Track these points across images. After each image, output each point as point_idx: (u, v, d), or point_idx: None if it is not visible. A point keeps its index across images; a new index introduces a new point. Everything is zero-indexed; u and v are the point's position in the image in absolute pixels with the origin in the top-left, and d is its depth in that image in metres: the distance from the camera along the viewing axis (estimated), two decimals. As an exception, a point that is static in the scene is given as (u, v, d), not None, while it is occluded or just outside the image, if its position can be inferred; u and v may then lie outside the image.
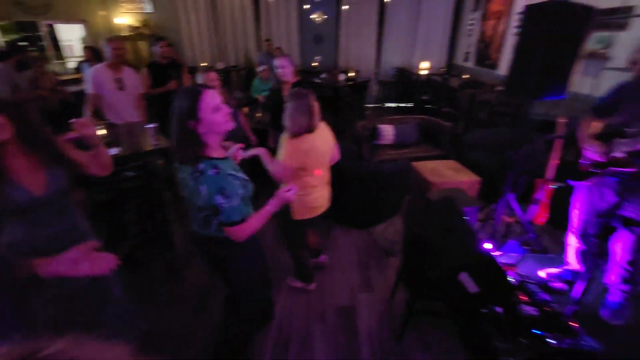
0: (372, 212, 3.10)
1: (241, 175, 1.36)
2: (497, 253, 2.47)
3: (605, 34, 3.61)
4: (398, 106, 7.42)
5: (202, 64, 6.88)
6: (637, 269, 1.88)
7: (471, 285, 1.65)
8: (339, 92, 5.42)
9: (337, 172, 3.02)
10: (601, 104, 1.89)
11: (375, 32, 7.31)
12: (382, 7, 7.05)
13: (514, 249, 2.60)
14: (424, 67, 6.94)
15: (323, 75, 5.97)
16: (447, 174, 3.27)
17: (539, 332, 1.72)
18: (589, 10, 2.01)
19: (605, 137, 1.83)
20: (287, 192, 1.43)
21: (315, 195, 1.98)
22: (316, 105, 1.84)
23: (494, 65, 5.63)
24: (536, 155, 2.95)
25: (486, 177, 3.27)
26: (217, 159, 1.29)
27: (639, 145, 1.60)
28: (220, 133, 1.30)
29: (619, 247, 1.88)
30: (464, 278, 1.65)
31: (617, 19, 3.41)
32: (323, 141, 1.92)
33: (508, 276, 2.13)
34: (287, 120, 1.80)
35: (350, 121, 4.48)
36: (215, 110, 1.24)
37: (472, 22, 6.61)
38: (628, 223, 1.78)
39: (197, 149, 1.25)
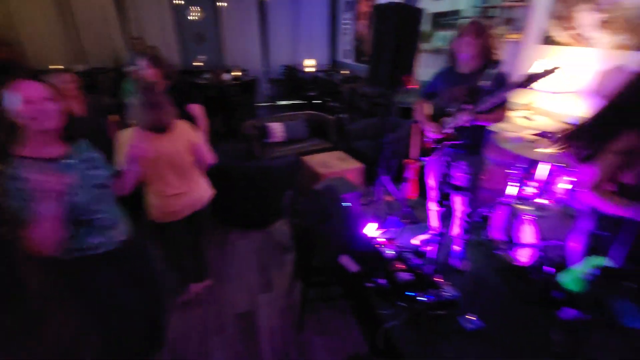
0: (267, 210, 3.09)
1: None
2: (380, 230, 2.74)
3: (444, 33, 4.32)
4: (291, 103, 7.57)
5: (52, 67, 5.76)
6: (473, 220, 2.32)
7: (352, 266, 1.78)
8: (225, 92, 5.22)
9: (224, 174, 2.91)
10: (426, 89, 2.24)
11: (257, 30, 7.27)
12: (262, 5, 7.05)
13: (394, 224, 2.92)
14: (309, 65, 7.22)
15: (206, 75, 5.66)
16: (334, 164, 3.48)
17: (411, 294, 1.97)
18: (420, 11, 2.35)
19: (435, 117, 2.17)
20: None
21: (172, 200, 1.86)
22: (167, 103, 1.71)
23: (368, 62, 6.22)
24: (403, 139, 3.37)
25: (368, 163, 3.59)
26: (29, 157, 1.16)
27: (460, 122, 1.94)
28: (36, 129, 1.17)
29: (458, 204, 2.27)
30: (345, 260, 1.76)
31: (449, 20, 4.11)
32: (173, 143, 1.80)
33: (387, 249, 2.38)
34: (133, 115, 1.66)
35: (240, 121, 4.38)
36: (27, 102, 1.13)
37: (346, 21, 7.14)
38: (457, 188, 2.16)
39: (7, 144, 1.14)
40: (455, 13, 4.04)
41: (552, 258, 2.08)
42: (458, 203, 2.27)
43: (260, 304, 2.30)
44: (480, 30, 1.87)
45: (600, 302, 0.90)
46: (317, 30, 7.72)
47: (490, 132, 2.16)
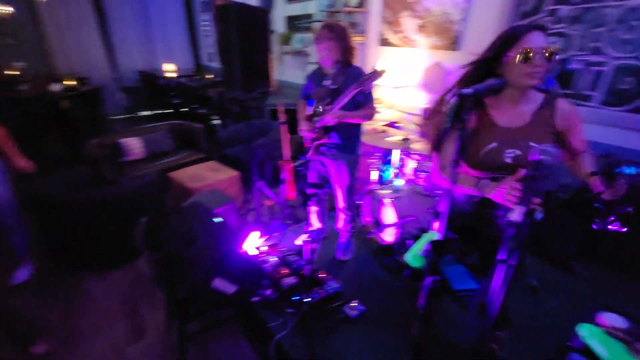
0: (129, 243, 2.61)
1: None
2: (263, 238, 2.65)
3: (302, 35, 4.50)
4: (154, 114, 6.73)
5: None
6: (353, 212, 2.47)
7: (228, 287, 1.63)
8: (58, 106, 4.23)
9: (63, 207, 2.33)
10: (303, 90, 2.29)
11: (97, 30, 6.17)
12: (98, 2, 6.00)
13: (277, 229, 2.87)
14: (169, 70, 6.55)
15: (23, 87, 4.48)
16: (207, 176, 3.20)
17: (297, 297, 1.95)
18: (266, 12, 2.32)
19: (310, 117, 2.23)
20: None
21: None
22: None
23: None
24: (276, 141, 3.35)
25: (245, 170, 3.44)
26: None
27: (324, 121, 2.01)
28: None
29: (339, 196, 2.38)
30: (219, 284, 1.60)
31: (304, 23, 4.30)
32: None
33: (271, 256, 2.31)
34: None
35: (84, 140, 3.60)
36: None
37: (205, 22, 6.74)
38: (315, 186, 2.26)
39: None
40: (308, 16, 4.23)
41: (412, 232, 2.37)
42: (339, 196, 2.37)
43: (130, 357, 1.92)
44: (335, 32, 1.94)
45: (437, 272, 1.00)
46: (174, 32, 7.06)
47: (360, 130, 2.28)
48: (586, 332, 0.85)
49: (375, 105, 2.09)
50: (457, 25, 2.85)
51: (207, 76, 6.28)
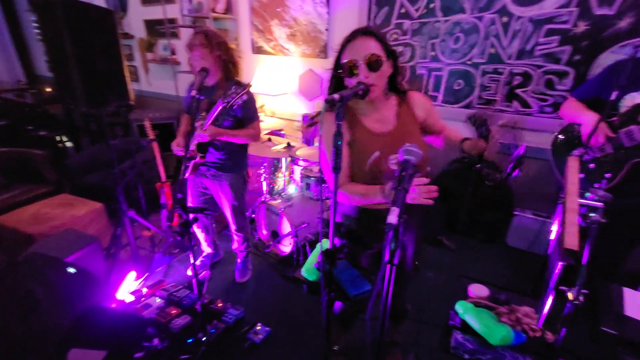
0: None
1: None
2: (141, 278, 2.24)
3: (167, 41, 4.06)
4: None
5: None
6: (245, 232, 2.31)
7: (91, 356, 1.28)
8: None
9: None
10: (184, 103, 2.02)
11: None
12: None
13: (160, 262, 2.49)
14: (-13, 83, 5.05)
15: None
16: (55, 214, 2.54)
17: (192, 339, 1.70)
18: (110, 13, 1.96)
19: (189, 134, 1.97)
20: None
21: None
22: None
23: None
24: (148, 160, 2.91)
25: (110, 199, 2.88)
26: None
27: (198, 138, 1.80)
28: None
29: (228, 218, 2.19)
30: (76, 356, 1.24)
31: (169, 28, 3.89)
32: None
33: (157, 297, 1.96)
34: None
35: None
36: None
37: (37, 24, 5.45)
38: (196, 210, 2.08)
39: None
40: (172, 21, 3.84)
41: (308, 238, 2.37)
42: (229, 221, 2.18)
43: None
44: (210, 39, 1.73)
45: (332, 281, 0.97)
46: (-12, 35, 5.49)
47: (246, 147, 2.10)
48: (461, 308, 0.95)
49: (259, 124, 1.96)
50: (324, 34, 3.01)
51: (46, 89, 5.09)
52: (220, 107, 1.65)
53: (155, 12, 3.94)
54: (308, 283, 1.17)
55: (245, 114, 1.87)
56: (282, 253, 2.45)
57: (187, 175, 1.99)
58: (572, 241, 0.61)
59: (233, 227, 2.20)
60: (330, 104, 0.86)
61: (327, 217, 0.94)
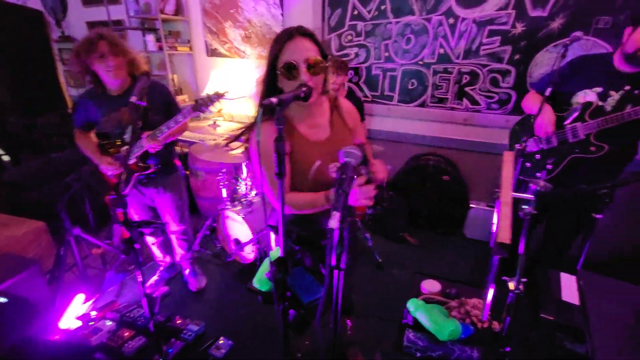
0: None
1: None
2: (90, 301, 2.07)
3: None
4: None
5: None
6: (190, 235, 2.21)
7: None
8: None
9: None
10: (78, 121, 1.83)
11: None
12: None
13: (113, 281, 2.32)
14: None
15: None
16: (-13, 237, 2.29)
17: (146, 362, 1.59)
18: (39, 15, 1.80)
19: (105, 149, 1.82)
20: None
21: None
22: None
23: None
24: (94, 173, 2.71)
25: (53, 217, 2.64)
26: None
27: (145, 149, 1.69)
28: None
29: (170, 221, 2.08)
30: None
31: (116, 31, 3.66)
32: None
33: (107, 320, 1.82)
34: None
35: None
36: None
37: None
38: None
39: None
40: (117, 23, 3.62)
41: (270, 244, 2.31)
42: (171, 224, 2.08)
43: None
44: (117, 43, 1.62)
45: (285, 290, 0.94)
46: None
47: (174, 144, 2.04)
48: (412, 306, 0.96)
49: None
50: (279, 36, 2.96)
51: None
52: (190, 116, 1.58)
53: (99, 14, 3.70)
54: (262, 293, 1.13)
55: (173, 106, 1.80)
56: (245, 261, 2.38)
57: (127, 190, 1.87)
58: (504, 235, 0.62)
59: (177, 228, 2.11)
60: (267, 108, 0.82)
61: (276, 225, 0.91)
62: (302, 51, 0.98)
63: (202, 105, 1.63)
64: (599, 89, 1.57)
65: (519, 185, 1.69)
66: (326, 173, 0.99)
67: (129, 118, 1.72)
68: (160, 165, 1.85)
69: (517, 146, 1.59)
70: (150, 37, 3.33)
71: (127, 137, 1.72)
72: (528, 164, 1.77)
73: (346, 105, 1.22)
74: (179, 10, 3.31)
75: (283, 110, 0.83)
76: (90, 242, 2.27)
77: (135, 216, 2.04)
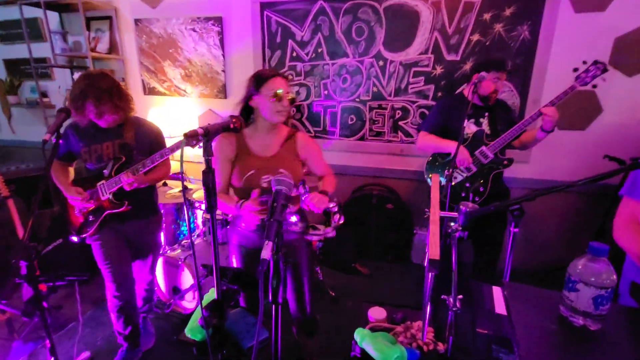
0: None
1: None
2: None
3: (34, 83, 3.51)
4: None
5: None
6: (152, 285, 1.99)
7: None
8: None
9: None
10: (60, 150, 1.68)
11: None
12: None
13: (20, 352, 1.94)
14: None
15: None
16: None
17: None
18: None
19: (84, 183, 1.67)
20: None
21: None
22: None
23: None
24: (3, 224, 2.34)
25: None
26: None
27: (122, 185, 1.54)
28: None
29: (139, 273, 1.87)
30: None
31: (38, 68, 3.40)
32: None
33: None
34: None
35: None
36: None
37: None
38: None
39: None
40: (41, 60, 3.38)
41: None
42: (142, 271, 1.89)
43: None
44: (98, 105, 1.50)
45: (224, 336, 0.85)
46: None
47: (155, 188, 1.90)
48: (358, 336, 0.94)
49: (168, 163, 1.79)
50: (222, 75, 3.00)
51: None
52: (170, 154, 1.49)
53: (19, 51, 3.43)
54: (195, 344, 1.01)
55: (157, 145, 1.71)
56: (186, 310, 2.16)
57: (91, 231, 1.65)
58: (434, 251, 0.64)
59: (147, 279, 1.92)
60: (190, 139, 0.81)
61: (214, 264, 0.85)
62: (283, 87, 1.29)
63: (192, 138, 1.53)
64: (472, 120, 1.95)
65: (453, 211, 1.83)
66: (255, 182, 1.30)
67: (111, 153, 1.62)
68: (135, 205, 1.68)
69: (447, 172, 1.73)
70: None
71: (106, 172, 1.60)
72: (463, 194, 1.94)
73: (303, 138, 1.45)
74: (112, 49, 3.20)
75: (210, 140, 0.83)
76: (-8, 306, 1.91)
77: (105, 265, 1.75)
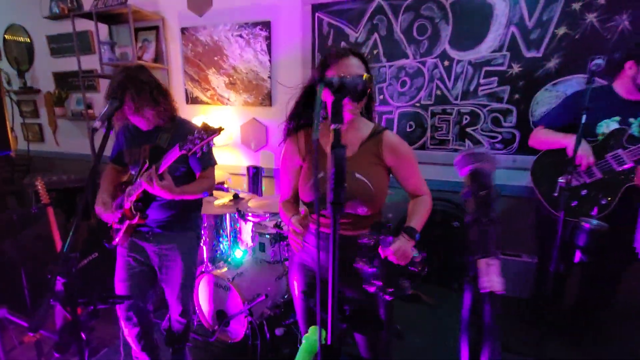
0: None
1: None
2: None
3: (80, 95, 3.52)
4: None
5: None
6: (190, 315, 1.70)
7: None
8: None
9: None
10: (112, 152, 1.58)
11: None
12: None
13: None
14: None
15: None
16: None
17: None
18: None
19: (121, 186, 1.50)
20: None
21: None
22: None
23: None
24: (38, 237, 2.20)
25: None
26: None
27: (137, 191, 1.34)
28: None
29: (171, 298, 1.61)
30: None
31: (86, 80, 3.41)
32: None
33: None
34: None
35: None
36: None
37: None
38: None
39: None
40: (89, 72, 3.38)
41: (266, 314, 1.86)
42: (171, 299, 1.58)
43: None
44: (136, 104, 1.33)
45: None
46: None
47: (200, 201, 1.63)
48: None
49: (214, 171, 1.53)
50: (267, 82, 2.84)
51: None
52: (178, 154, 1.22)
53: (68, 64, 3.47)
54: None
55: (203, 162, 1.46)
56: (232, 339, 1.88)
57: (116, 241, 1.45)
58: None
59: (177, 309, 1.59)
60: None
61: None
62: (350, 70, 1.02)
63: (188, 142, 1.29)
64: (617, 118, 1.54)
65: (565, 227, 1.46)
66: (323, 187, 1.03)
67: (142, 156, 1.42)
68: (172, 218, 1.47)
69: (561, 181, 1.39)
70: (125, 85, 3.09)
71: (135, 174, 1.42)
72: (574, 203, 1.56)
73: (393, 140, 1.16)
74: (158, 58, 3.15)
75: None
76: (21, 326, 1.72)
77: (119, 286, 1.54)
